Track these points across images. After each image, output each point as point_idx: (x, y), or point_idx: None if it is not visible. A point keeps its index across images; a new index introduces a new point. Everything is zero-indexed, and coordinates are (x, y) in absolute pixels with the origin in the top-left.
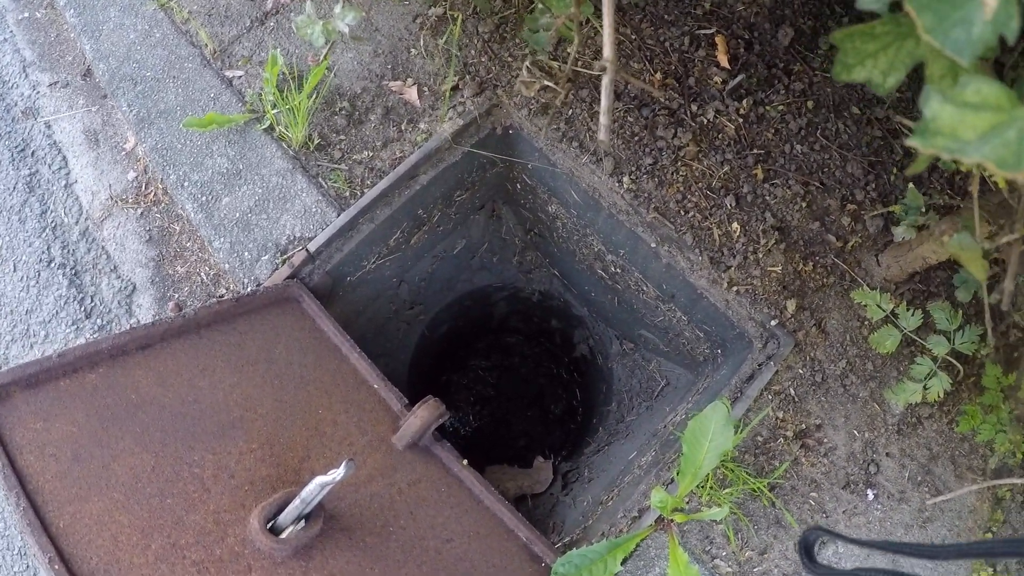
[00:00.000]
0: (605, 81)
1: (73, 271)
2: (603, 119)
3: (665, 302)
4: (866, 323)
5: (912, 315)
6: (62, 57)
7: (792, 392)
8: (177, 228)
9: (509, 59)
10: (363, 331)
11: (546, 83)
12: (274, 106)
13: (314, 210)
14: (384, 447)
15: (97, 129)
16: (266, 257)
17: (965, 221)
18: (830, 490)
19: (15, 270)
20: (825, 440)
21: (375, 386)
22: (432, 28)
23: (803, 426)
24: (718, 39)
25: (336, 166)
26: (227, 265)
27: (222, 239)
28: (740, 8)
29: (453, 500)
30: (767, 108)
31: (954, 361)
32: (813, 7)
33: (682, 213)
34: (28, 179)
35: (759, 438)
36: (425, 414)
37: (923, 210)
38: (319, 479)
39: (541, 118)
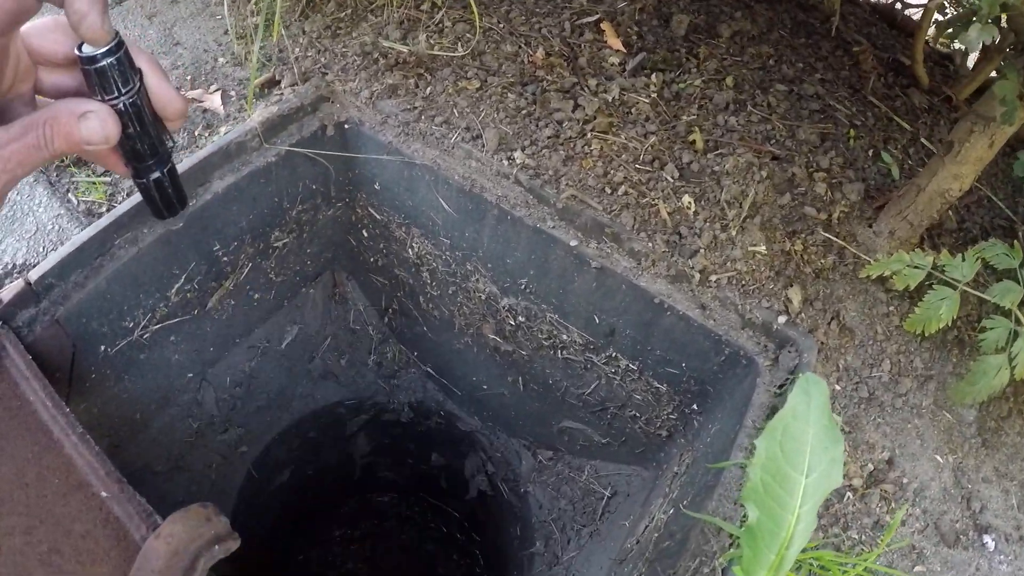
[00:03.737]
0: None
1: None
2: None
3: (600, 350)
4: (893, 307)
5: (964, 262)
6: None
7: (838, 420)
8: None
9: (343, 50)
10: (147, 460)
11: None
12: None
13: (49, 227)
14: None
15: None
16: None
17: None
18: (937, 553)
19: None
20: (905, 479)
21: (102, 493)
22: (248, 37)
23: (869, 466)
24: (604, 25)
25: (97, 179)
26: None
27: None
28: (621, 4)
29: None
30: (682, 86)
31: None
32: (700, 5)
33: (608, 191)
34: None
35: None
36: (180, 532)
37: None
38: None
39: (390, 99)
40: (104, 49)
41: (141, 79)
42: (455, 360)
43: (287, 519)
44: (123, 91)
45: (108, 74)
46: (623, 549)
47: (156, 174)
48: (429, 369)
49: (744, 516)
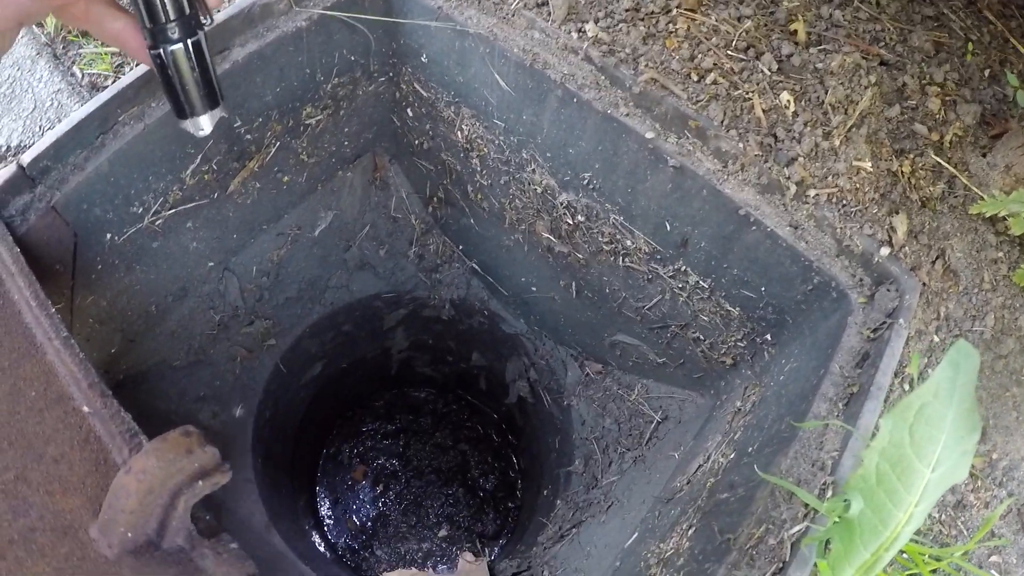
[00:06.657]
0: None
1: None
2: None
3: (667, 261)
4: (1002, 253)
5: None
6: None
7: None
8: None
9: None
10: (164, 355)
11: None
12: None
13: (48, 103)
14: (74, 555)
15: None
16: None
17: None
18: (1016, 543)
19: None
20: (995, 455)
21: (84, 408)
22: None
23: None
24: None
25: (103, 49)
26: None
27: None
28: None
29: None
30: None
31: None
32: None
33: (694, 78)
34: None
35: None
36: (155, 468)
37: None
38: None
39: None
40: None
41: None
42: (503, 258)
43: (318, 412)
44: None
45: None
46: (670, 487)
47: (177, 45)
48: (474, 265)
49: (831, 491)
